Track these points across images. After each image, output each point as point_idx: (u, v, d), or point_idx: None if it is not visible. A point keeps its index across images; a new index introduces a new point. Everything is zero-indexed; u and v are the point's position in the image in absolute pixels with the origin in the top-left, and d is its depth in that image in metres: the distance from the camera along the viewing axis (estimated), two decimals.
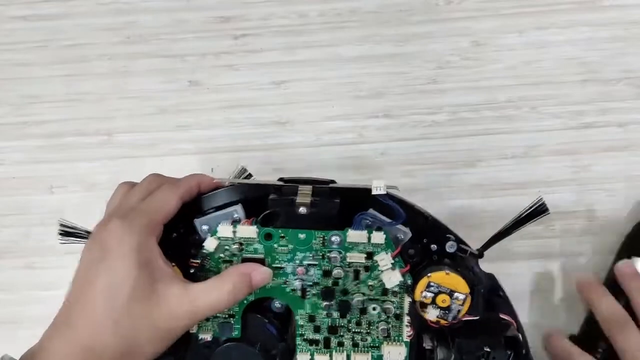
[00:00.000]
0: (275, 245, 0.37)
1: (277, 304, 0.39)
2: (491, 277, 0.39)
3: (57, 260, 0.51)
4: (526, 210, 0.38)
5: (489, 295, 0.38)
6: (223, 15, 0.51)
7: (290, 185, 0.36)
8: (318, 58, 0.51)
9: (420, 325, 0.37)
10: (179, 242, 0.37)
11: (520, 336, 0.37)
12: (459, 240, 0.37)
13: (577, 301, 0.49)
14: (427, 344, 0.37)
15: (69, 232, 0.40)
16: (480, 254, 0.38)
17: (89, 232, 0.38)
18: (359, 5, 0.51)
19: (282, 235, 0.36)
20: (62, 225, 0.40)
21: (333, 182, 0.37)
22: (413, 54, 0.51)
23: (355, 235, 0.36)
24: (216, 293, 0.35)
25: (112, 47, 0.52)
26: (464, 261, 0.37)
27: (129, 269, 0.33)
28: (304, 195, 0.36)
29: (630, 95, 0.50)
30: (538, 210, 0.37)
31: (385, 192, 0.35)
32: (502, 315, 0.37)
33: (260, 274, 0.36)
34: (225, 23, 0.51)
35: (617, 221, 0.50)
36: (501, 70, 0.50)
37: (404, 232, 0.37)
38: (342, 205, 0.36)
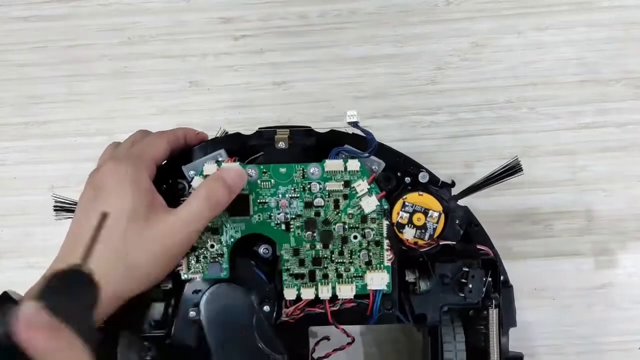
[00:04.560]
0: (259, 181, 0.38)
1: (263, 250, 0.40)
2: (465, 209, 0.40)
3: None
4: (502, 168, 0.40)
5: (466, 227, 0.40)
6: (223, 16, 0.52)
7: (269, 130, 0.39)
8: (318, 58, 0.51)
9: (401, 257, 0.39)
10: (169, 191, 0.39)
11: (497, 261, 0.39)
12: (431, 174, 0.39)
13: (577, 300, 0.50)
14: (410, 278, 0.39)
15: (64, 208, 0.41)
16: (452, 183, 0.40)
17: None
18: (358, 6, 0.51)
19: (264, 170, 0.38)
20: (57, 201, 0.41)
21: (309, 127, 0.40)
22: (412, 55, 0.51)
23: (332, 164, 0.38)
24: (195, 201, 0.36)
25: (113, 48, 0.52)
26: (437, 192, 0.39)
27: (125, 199, 0.35)
28: (282, 134, 0.38)
29: (628, 95, 0.50)
30: (514, 170, 0.39)
31: (357, 120, 0.37)
32: (479, 247, 0.39)
33: (231, 171, 0.36)
34: (225, 24, 0.52)
35: (615, 221, 0.50)
36: (500, 71, 0.51)
37: (378, 163, 0.39)
38: (318, 144, 0.39)
